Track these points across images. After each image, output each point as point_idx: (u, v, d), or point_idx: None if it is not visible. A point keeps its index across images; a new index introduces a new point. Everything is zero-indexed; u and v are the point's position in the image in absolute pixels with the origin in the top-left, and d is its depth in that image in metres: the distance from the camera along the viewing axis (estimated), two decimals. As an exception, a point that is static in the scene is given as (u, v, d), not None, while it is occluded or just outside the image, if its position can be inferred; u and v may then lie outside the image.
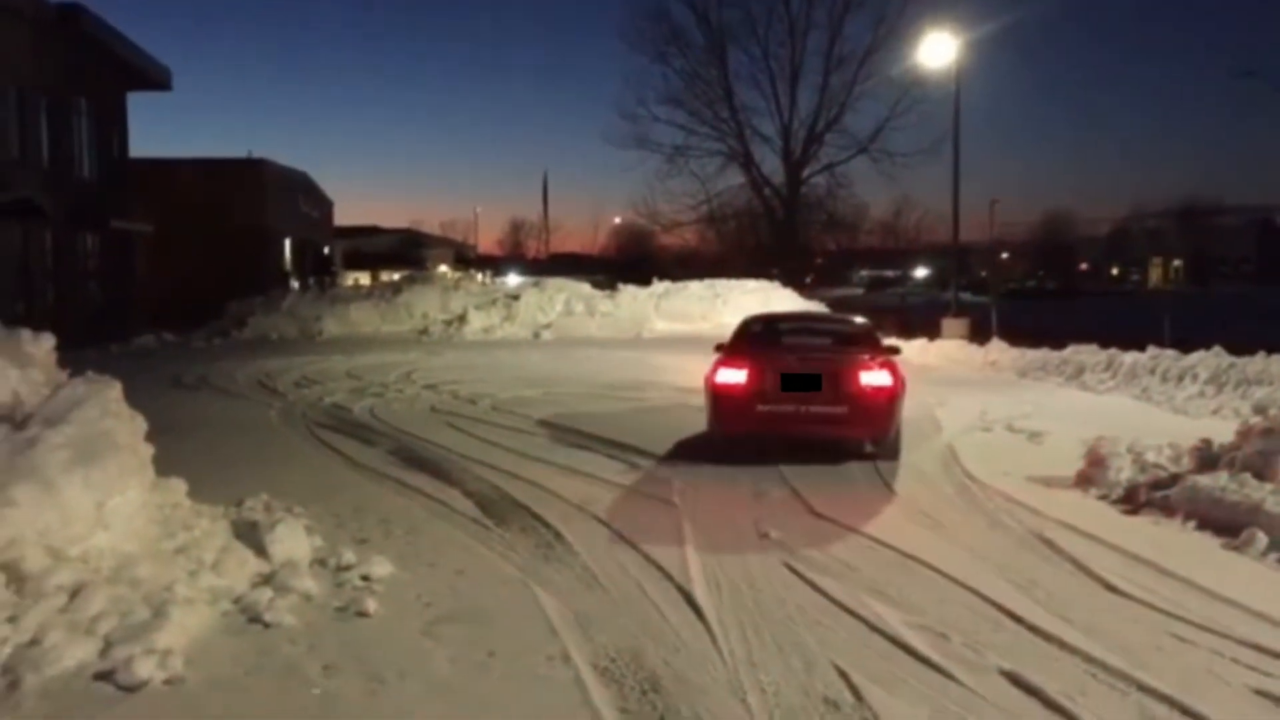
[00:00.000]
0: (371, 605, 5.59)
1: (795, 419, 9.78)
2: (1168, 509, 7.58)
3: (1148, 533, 7.23)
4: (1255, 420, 8.15)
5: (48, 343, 6.70)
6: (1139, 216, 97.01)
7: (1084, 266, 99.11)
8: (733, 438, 10.18)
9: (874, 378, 9.83)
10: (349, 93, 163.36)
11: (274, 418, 13.25)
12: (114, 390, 5.90)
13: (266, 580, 5.84)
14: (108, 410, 5.73)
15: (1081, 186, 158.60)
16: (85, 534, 5.38)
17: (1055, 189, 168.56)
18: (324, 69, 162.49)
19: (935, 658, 4.87)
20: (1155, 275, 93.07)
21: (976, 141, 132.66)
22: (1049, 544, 6.93)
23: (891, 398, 9.85)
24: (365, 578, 6.09)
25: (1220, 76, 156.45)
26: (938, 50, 27.63)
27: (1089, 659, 4.86)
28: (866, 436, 9.99)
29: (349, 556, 6.37)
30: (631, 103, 51.52)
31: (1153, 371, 15.62)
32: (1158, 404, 14.28)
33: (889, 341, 11.65)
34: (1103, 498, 8.25)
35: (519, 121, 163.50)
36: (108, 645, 4.78)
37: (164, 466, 6.80)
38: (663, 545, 6.89)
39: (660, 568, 6.39)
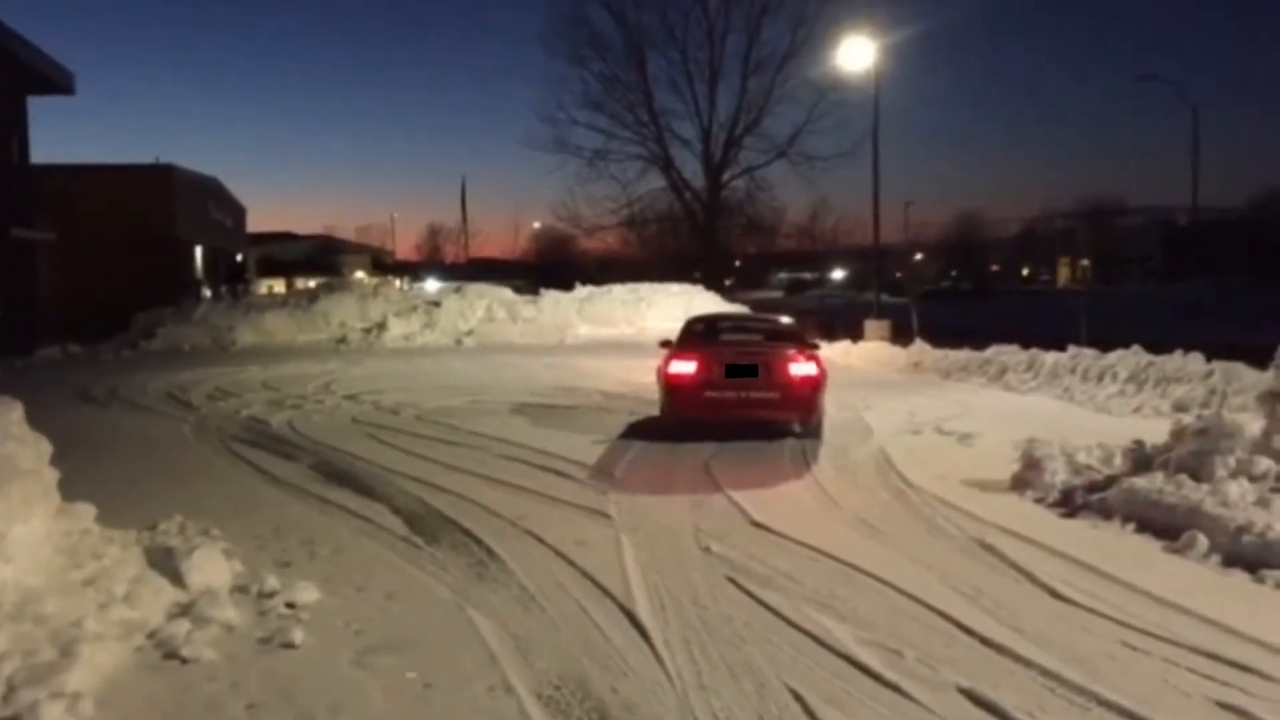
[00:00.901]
0: (298, 635, 5.28)
1: (737, 404, 11.20)
2: (1105, 512, 7.57)
3: (1087, 536, 7.20)
4: (1188, 420, 8.18)
5: (-58, 361, 6.24)
6: (1047, 217, 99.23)
7: (995, 267, 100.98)
8: (685, 420, 11.43)
9: (801, 368, 11.29)
10: (261, 96, 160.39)
11: (188, 433, 12.74)
12: (15, 411, 5.50)
13: (184, 611, 5.49)
14: (9, 433, 5.34)
15: (992, 188, 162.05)
16: (-16, 568, 5.00)
17: (967, 190, 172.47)
18: (235, 72, 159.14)
19: (890, 675, 4.72)
20: (1064, 275, 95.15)
21: (890, 144, 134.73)
22: (991, 550, 6.85)
23: (816, 385, 11.30)
24: (290, 605, 5.78)
25: (1124, 79, 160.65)
26: (855, 54, 27.86)
27: (1045, 672, 4.75)
28: (796, 418, 11.39)
29: (272, 582, 6.05)
30: (551, 106, 51.21)
31: (1073, 371, 15.80)
32: (1080, 404, 14.43)
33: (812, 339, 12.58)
34: (1039, 501, 8.22)
35: (436, 125, 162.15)
36: (10, 689, 4.41)
37: (71, 489, 6.41)
38: (601, 560, 6.68)
39: (600, 585, 6.17)
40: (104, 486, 9.24)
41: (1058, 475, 8.41)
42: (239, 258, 52.97)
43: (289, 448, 11.40)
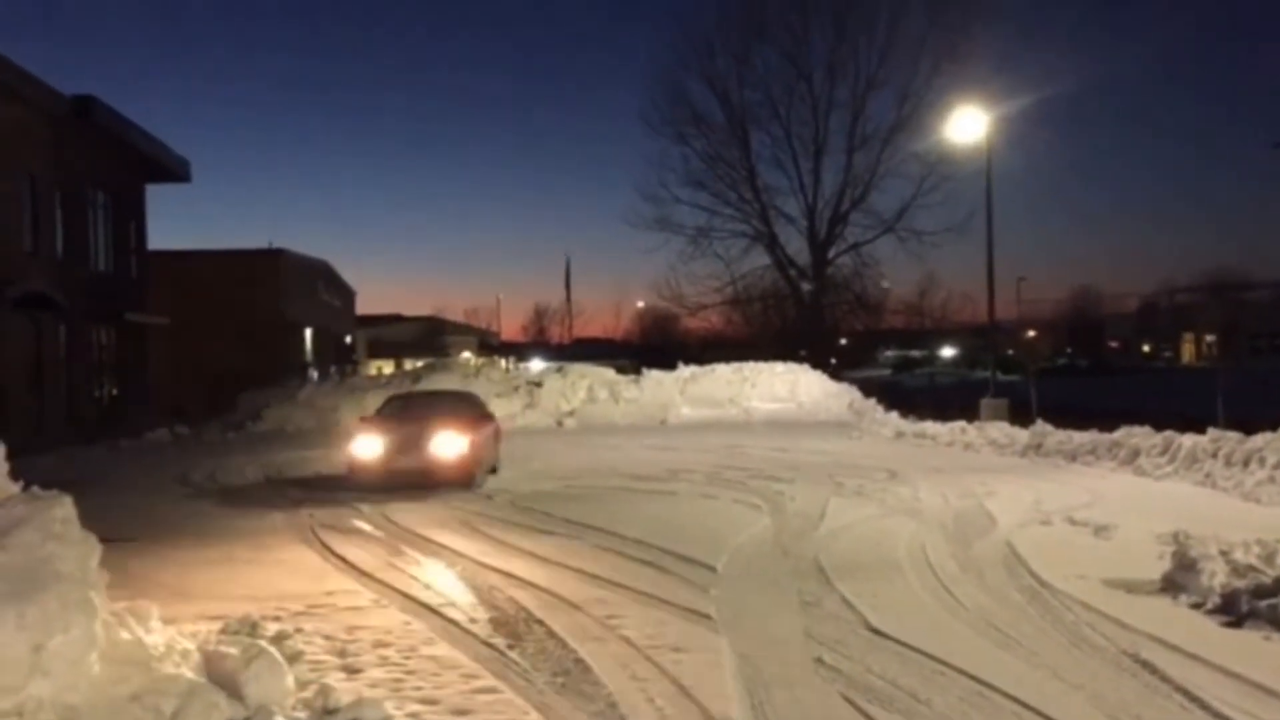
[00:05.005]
0: (357, 762, 4.71)
1: None
2: (1276, 621, 6.61)
3: (1261, 652, 6.25)
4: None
5: (-5, 451, 5.87)
6: (1168, 291, 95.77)
7: (1114, 343, 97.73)
8: None
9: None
10: (371, 180, 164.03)
11: (278, 520, 12.40)
12: (61, 509, 5.09)
13: (237, 730, 4.96)
14: (50, 533, 4.92)
15: (1107, 262, 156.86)
16: (19, 683, 4.54)
17: (1081, 264, 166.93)
18: (346, 157, 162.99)
19: (1044, 833, 3.94)
20: (1188, 351, 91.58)
21: (1000, 217, 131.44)
22: (1148, 667, 5.96)
23: None
24: (354, 723, 5.20)
25: (1250, 149, 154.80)
26: (966, 126, 27.09)
27: (1237, 834, 3.91)
28: None
29: (336, 696, 5.49)
30: (653, 184, 50.80)
31: (1215, 455, 14.60)
32: (1224, 491, 13.27)
33: None
34: (1196, 606, 7.27)
35: (541, 206, 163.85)
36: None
37: (145, 582, 6.00)
38: (700, 671, 5.99)
39: (697, 703, 5.48)
40: (184, 576, 8.92)
41: (1216, 577, 7.45)
42: (348, 339, 53.84)
43: (378, 538, 10.97)
